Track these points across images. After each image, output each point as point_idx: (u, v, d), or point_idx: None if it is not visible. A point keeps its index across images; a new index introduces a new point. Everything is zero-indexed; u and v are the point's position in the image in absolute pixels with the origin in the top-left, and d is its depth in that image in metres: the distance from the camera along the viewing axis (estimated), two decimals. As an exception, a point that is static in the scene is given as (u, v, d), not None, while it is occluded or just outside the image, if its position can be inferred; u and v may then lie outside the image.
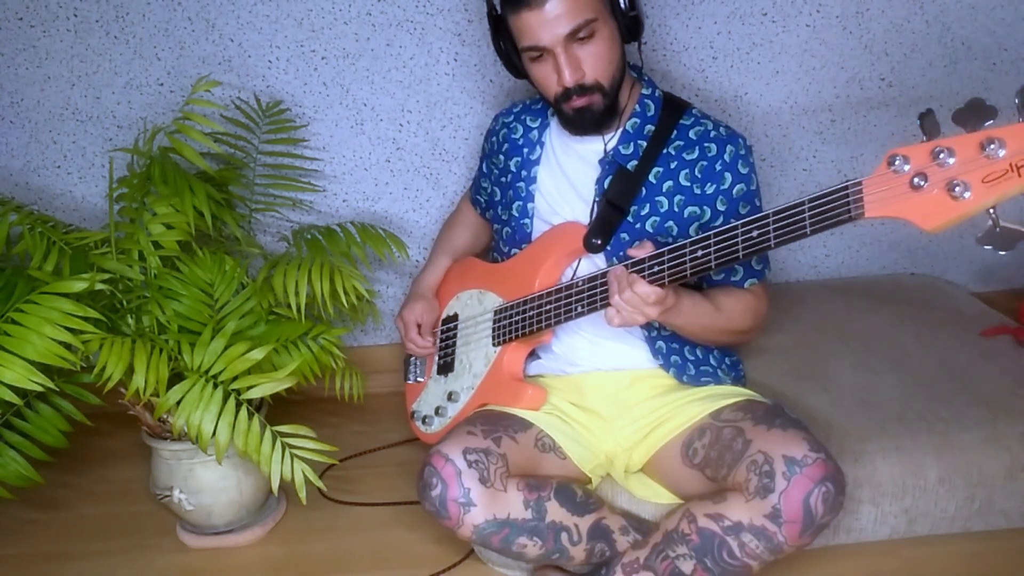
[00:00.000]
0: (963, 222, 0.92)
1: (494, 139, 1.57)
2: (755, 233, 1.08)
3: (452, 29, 1.81)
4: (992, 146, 0.88)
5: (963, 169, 0.91)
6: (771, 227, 1.06)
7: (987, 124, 0.90)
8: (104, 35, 1.79)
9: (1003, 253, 0.91)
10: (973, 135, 0.90)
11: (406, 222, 2.00)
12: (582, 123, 1.34)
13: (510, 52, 1.36)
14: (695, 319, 1.30)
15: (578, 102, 1.30)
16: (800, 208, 1.03)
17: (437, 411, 1.54)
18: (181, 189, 1.43)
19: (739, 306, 1.35)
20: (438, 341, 1.60)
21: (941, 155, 0.92)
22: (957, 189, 0.90)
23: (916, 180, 0.93)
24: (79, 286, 1.32)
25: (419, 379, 1.64)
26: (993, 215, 0.91)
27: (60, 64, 1.81)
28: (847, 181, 0.99)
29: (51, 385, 1.28)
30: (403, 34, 1.82)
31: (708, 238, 1.13)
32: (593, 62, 1.28)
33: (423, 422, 1.58)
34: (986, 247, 0.92)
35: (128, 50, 1.80)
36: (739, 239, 1.10)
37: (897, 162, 0.95)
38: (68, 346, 1.29)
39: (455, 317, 1.58)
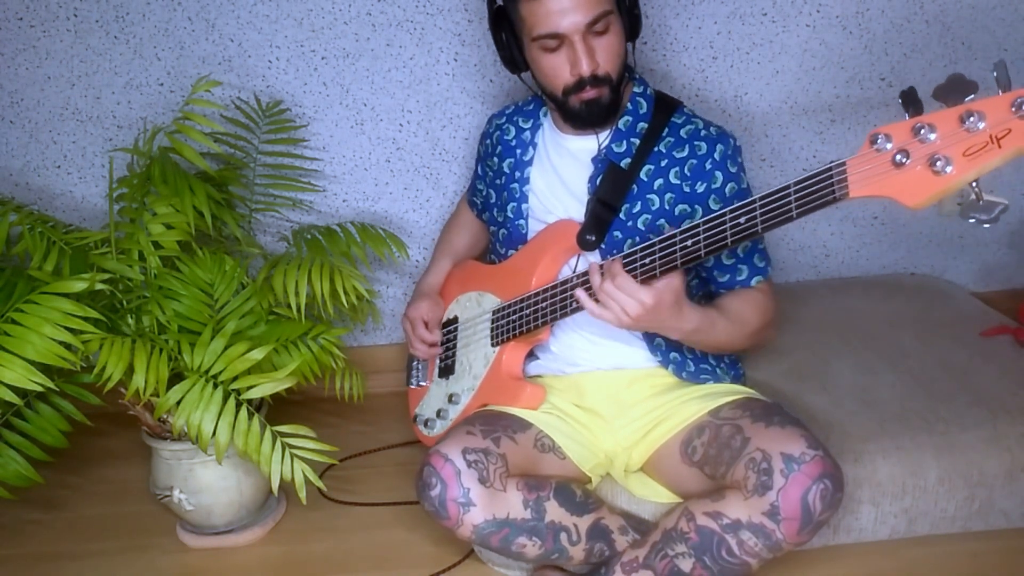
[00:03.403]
0: (952, 212, 0.92)
1: (488, 141, 1.57)
2: (743, 219, 1.08)
3: (452, 29, 1.81)
4: (972, 119, 0.88)
5: (944, 143, 0.90)
6: (758, 212, 1.07)
7: (968, 99, 0.89)
8: (104, 35, 1.79)
9: (987, 226, 0.90)
10: (953, 109, 0.90)
11: (406, 222, 2.00)
12: (589, 116, 1.33)
13: (512, 44, 1.36)
14: (706, 336, 1.28)
15: (589, 93, 1.30)
16: (786, 192, 1.04)
17: (439, 414, 1.54)
18: (181, 189, 1.43)
19: (748, 306, 1.33)
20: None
21: (922, 131, 0.91)
22: (939, 164, 0.90)
23: (898, 157, 0.93)
24: (79, 286, 1.32)
25: (421, 383, 1.64)
26: (976, 188, 0.91)
27: (60, 64, 1.81)
28: (831, 162, 0.99)
29: (51, 385, 1.28)
30: (403, 34, 1.82)
31: (697, 227, 1.14)
32: (606, 55, 1.29)
33: (425, 425, 1.58)
34: (970, 220, 0.91)
35: (128, 50, 1.81)
36: (727, 226, 1.10)
37: (879, 140, 0.94)
38: (68, 346, 1.29)
39: (455, 320, 1.58)
